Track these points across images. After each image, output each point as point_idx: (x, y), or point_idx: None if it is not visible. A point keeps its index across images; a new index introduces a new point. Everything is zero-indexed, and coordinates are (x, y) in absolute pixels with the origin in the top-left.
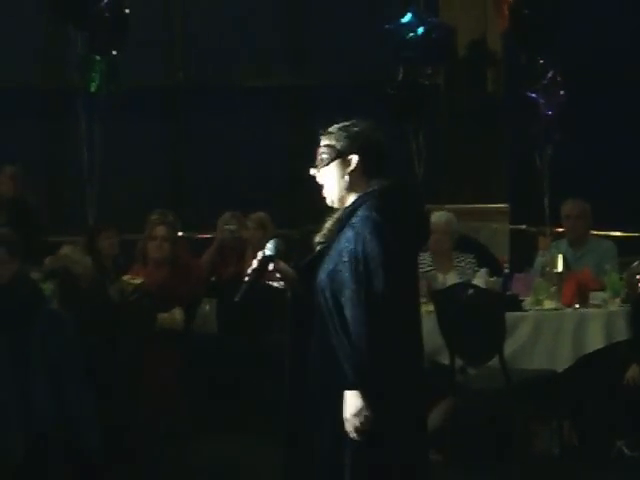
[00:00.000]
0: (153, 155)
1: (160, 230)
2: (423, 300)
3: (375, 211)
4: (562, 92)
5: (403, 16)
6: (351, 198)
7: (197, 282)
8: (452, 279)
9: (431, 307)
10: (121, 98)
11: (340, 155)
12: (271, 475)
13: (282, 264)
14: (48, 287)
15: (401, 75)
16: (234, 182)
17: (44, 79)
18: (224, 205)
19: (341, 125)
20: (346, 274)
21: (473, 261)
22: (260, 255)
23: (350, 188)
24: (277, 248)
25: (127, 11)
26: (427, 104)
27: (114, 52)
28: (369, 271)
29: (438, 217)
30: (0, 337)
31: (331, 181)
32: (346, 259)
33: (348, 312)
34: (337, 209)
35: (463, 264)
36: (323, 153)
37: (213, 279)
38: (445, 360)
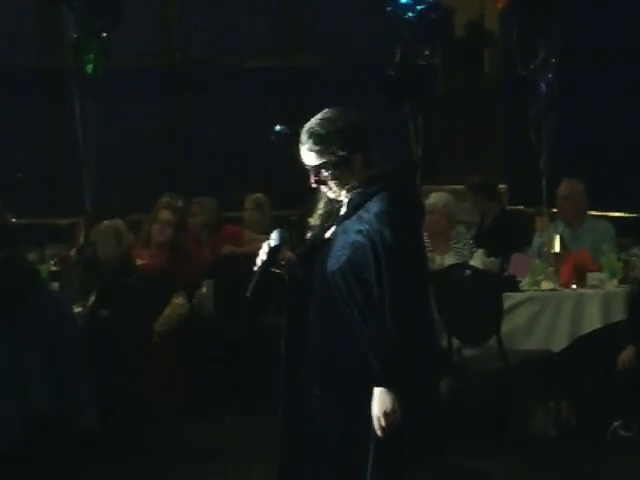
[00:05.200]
0: (150, 135)
1: (165, 214)
2: None
3: (388, 205)
4: (556, 72)
5: None
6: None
7: (197, 268)
8: (449, 260)
9: None
10: (118, 79)
11: (345, 161)
12: (269, 456)
13: (287, 253)
14: (45, 269)
15: (398, 56)
16: (232, 163)
17: (40, 60)
18: (222, 185)
19: (326, 127)
20: (368, 268)
21: (470, 242)
22: (266, 247)
23: (354, 180)
24: (282, 238)
25: None
26: (425, 85)
27: (110, 32)
28: (393, 265)
29: (436, 198)
30: None
31: (337, 183)
32: (366, 252)
33: (373, 306)
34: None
35: (460, 245)
36: (325, 168)
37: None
38: (442, 341)
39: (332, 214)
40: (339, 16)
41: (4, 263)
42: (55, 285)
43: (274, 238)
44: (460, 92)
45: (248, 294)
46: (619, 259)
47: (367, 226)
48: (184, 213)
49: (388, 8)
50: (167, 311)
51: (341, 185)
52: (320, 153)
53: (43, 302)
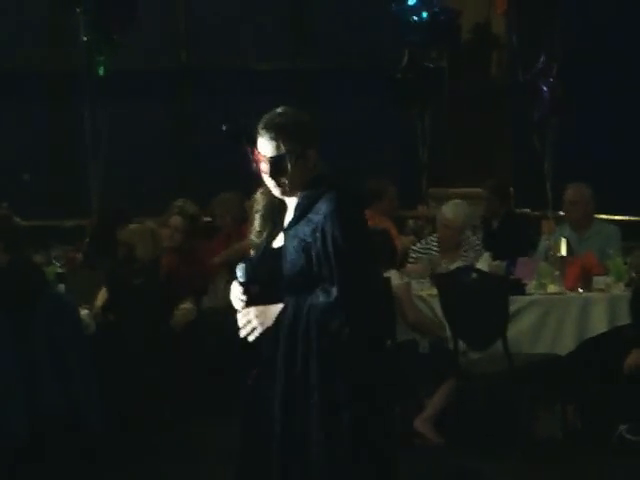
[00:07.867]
0: (157, 137)
1: (175, 220)
2: (425, 284)
3: (337, 204)
4: (558, 75)
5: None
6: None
7: (206, 273)
8: (455, 263)
9: (434, 290)
10: (126, 80)
11: (303, 154)
12: None
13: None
14: (52, 271)
15: (406, 59)
16: (238, 165)
17: (51, 62)
18: (228, 187)
19: (286, 119)
20: (323, 269)
21: (478, 243)
22: (239, 286)
23: (306, 178)
24: (247, 272)
25: None
26: (432, 88)
27: (122, 34)
28: (347, 264)
29: (454, 213)
30: (4, 320)
31: (292, 178)
32: (319, 253)
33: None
34: (266, 205)
35: (469, 251)
36: (284, 159)
37: None
38: (449, 344)
39: (276, 223)
40: (346, 19)
41: (11, 265)
42: (61, 287)
43: (240, 275)
44: (467, 95)
45: (244, 334)
46: (625, 263)
47: (318, 227)
48: (196, 219)
49: (395, 11)
50: (175, 316)
51: (295, 181)
52: (282, 143)
53: (50, 304)
